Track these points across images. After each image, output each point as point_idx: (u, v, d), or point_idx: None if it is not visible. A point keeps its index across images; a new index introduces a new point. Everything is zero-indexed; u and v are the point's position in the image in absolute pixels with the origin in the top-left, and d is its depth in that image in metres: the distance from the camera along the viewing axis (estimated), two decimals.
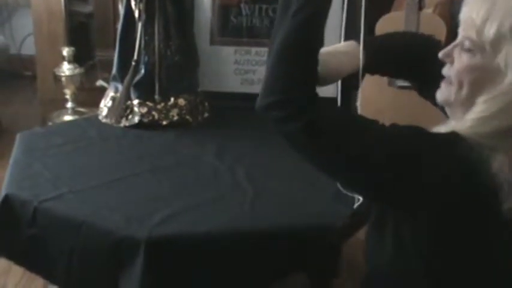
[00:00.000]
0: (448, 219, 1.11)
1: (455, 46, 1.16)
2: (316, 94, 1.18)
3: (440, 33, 2.54)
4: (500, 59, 1.10)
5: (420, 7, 2.53)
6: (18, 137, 2.13)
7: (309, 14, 1.18)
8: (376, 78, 2.49)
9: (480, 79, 1.13)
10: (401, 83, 2.54)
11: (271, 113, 1.16)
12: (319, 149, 1.15)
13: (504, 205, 1.08)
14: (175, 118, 2.27)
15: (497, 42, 1.09)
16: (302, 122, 1.13)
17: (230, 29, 2.53)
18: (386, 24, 2.57)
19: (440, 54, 1.19)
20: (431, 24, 2.56)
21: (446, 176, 1.09)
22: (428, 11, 2.66)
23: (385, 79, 2.55)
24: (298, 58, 1.17)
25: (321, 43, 1.23)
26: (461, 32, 1.15)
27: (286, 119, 1.14)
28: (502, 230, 1.11)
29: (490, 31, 1.09)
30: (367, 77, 2.51)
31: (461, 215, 1.11)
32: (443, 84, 1.20)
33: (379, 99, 2.60)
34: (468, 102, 1.14)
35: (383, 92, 2.57)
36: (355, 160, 1.13)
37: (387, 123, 1.20)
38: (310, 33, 1.19)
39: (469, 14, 1.12)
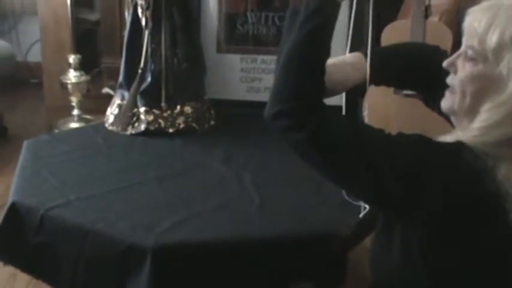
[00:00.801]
0: (455, 228, 1.11)
1: (459, 55, 1.17)
2: (322, 103, 1.18)
3: (447, 42, 2.53)
4: (502, 67, 1.10)
5: (426, 15, 2.53)
6: (24, 144, 2.14)
7: (315, 25, 1.18)
8: (381, 87, 2.50)
9: (483, 88, 1.13)
10: (407, 91, 2.54)
11: (278, 122, 1.16)
12: (325, 158, 1.16)
13: (510, 214, 1.08)
14: (182, 126, 2.27)
15: (499, 50, 1.10)
16: (308, 131, 1.13)
17: (236, 37, 2.54)
18: (393, 33, 2.57)
19: (445, 64, 1.19)
20: (437, 32, 2.55)
21: (453, 185, 1.09)
22: (434, 19, 2.66)
23: (390, 88, 2.54)
24: (305, 68, 1.17)
25: (327, 54, 1.23)
26: (465, 41, 1.16)
27: (292, 128, 1.15)
28: (509, 238, 1.11)
29: (492, 40, 1.10)
30: (372, 86, 2.52)
31: (468, 223, 1.11)
32: (447, 94, 1.21)
33: (384, 107, 2.59)
34: (472, 111, 1.15)
35: (389, 100, 2.57)
36: (361, 169, 1.13)
37: (393, 131, 1.21)
38: (316, 44, 1.19)
39: (472, 24, 1.13)
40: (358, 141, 1.15)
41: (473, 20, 1.13)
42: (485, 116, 1.12)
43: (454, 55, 1.18)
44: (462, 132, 1.15)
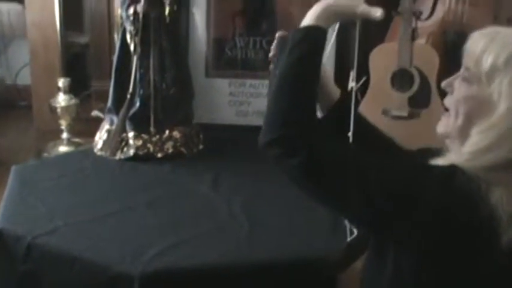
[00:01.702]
0: (447, 251, 1.11)
1: (457, 76, 1.19)
2: (314, 130, 1.19)
3: (433, 64, 2.56)
4: (493, 90, 1.11)
5: (413, 38, 2.55)
6: (12, 170, 2.13)
7: (304, 51, 1.19)
8: (370, 108, 2.52)
9: (474, 109, 1.14)
10: (395, 112, 2.55)
11: (271, 150, 1.16)
12: (317, 184, 1.16)
13: (504, 237, 1.08)
14: (170, 150, 2.28)
15: (491, 73, 1.11)
16: (300, 158, 1.14)
17: (225, 61, 2.56)
18: (380, 55, 2.60)
19: (443, 84, 1.21)
20: (424, 54, 2.58)
21: (446, 208, 1.10)
22: (421, 41, 2.69)
23: (379, 109, 2.56)
24: (294, 96, 1.18)
25: (317, 80, 1.24)
26: (463, 63, 1.18)
27: (284, 155, 1.15)
28: (502, 261, 1.11)
29: (487, 62, 1.12)
30: (361, 107, 2.53)
31: (461, 246, 1.11)
32: (442, 118, 1.22)
33: None
34: (464, 133, 1.16)
35: (377, 121, 2.57)
36: (353, 194, 1.13)
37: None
38: (304, 72, 1.20)
39: (471, 46, 1.16)
40: (350, 166, 1.15)
41: (473, 44, 1.16)
42: (475, 139, 1.13)
43: (453, 76, 1.20)
44: (455, 155, 1.16)
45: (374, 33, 3.11)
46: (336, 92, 1.37)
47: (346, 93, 1.36)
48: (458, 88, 1.18)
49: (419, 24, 2.60)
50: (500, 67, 1.11)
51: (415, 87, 2.53)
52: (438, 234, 1.10)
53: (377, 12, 1.21)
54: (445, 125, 1.21)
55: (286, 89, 1.19)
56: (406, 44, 2.52)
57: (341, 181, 1.14)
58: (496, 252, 1.09)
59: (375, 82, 2.56)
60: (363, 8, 1.22)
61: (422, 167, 1.16)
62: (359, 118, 1.36)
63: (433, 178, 1.12)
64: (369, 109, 2.54)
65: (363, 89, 2.62)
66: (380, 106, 2.55)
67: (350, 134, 1.37)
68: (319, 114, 1.34)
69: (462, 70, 1.18)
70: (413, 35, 2.56)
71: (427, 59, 2.55)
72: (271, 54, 1.35)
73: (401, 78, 2.54)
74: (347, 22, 1.30)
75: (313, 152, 1.14)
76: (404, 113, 2.54)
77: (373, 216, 1.14)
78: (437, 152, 1.23)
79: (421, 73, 2.51)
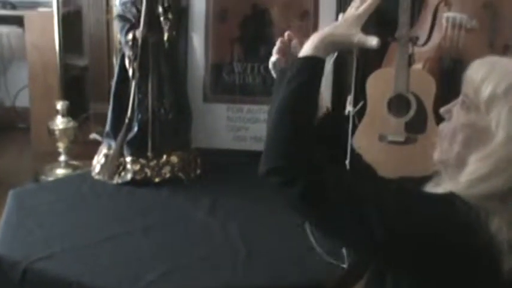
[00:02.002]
0: (448, 277, 1.11)
1: (455, 103, 1.20)
2: (313, 159, 1.20)
3: (430, 89, 2.57)
4: (491, 119, 1.12)
5: (410, 63, 2.57)
6: (10, 194, 2.14)
7: (302, 81, 1.21)
8: (367, 133, 2.53)
9: (471, 137, 1.15)
10: (392, 137, 2.56)
11: (270, 179, 1.17)
12: (316, 212, 1.17)
13: (505, 265, 1.09)
14: (168, 175, 2.28)
15: (490, 102, 1.12)
16: (299, 187, 1.14)
17: (223, 87, 2.57)
18: (377, 80, 2.61)
19: (442, 110, 1.22)
20: (420, 80, 2.59)
21: (446, 236, 1.10)
22: (417, 67, 2.70)
23: (376, 134, 2.57)
24: (292, 127, 1.19)
25: (315, 109, 1.26)
26: (463, 90, 1.19)
27: (284, 184, 1.16)
28: None
29: (486, 91, 1.13)
30: (358, 132, 2.54)
31: (461, 273, 1.11)
32: (438, 145, 1.22)
33: (370, 153, 2.61)
34: (460, 161, 1.16)
35: (374, 146, 2.59)
36: (352, 223, 1.14)
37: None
38: (304, 100, 1.21)
39: (471, 74, 1.17)
40: (349, 195, 1.15)
41: (473, 71, 1.17)
42: (472, 168, 1.13)
43: (452, 103, 1.21)
44: (451, 183, 1.17)
45: (371, 58, 3.15)
46: (321, 108, 1.36)
47: (330, 112, 1.37)
48: (456, 115, 1.19)
49: (416, 49, 2.61)
50: (500, 96, 1.12)
51: (412, 112, 2.54)
52: (439, 261, 1.10)
53: (373, 41, 1.22)
54: (439, 151, 1.22)
55: (285, 119, 1.20)
56: (403, 69, 2.53)
57: (340, 211, 1.14)
58: (497, 280, 1.10)
59: (371, 107, 2.57)
60: (359, 37, 1.23)
61: (421, 196, 1.17)
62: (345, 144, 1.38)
63: (432, 207, 1.13)
64: (366, 134, 2.55)
65: (360, 114, 2.64)
66: (377, 131, 2.56)
67: (347, 162, 1.38)
68: None
69: (461, 97, 1.19)
70: (410, 61, 2.57)
71: (424, 85, 2.56)
72: (273, 58, 1.36)
73: (398, 104, 2.55)
74: (344, 51, 1.31)
75: (312, 182, 1.15)
76: (401, 138, 2.54)
77: (373, 244, 1.14)
78: (420, 181, 1.24)
79: (417, 98, 2.52)
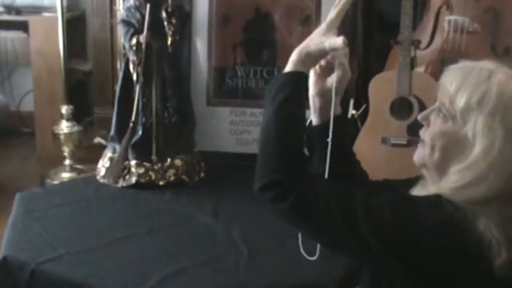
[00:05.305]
0: (440, 278, 1.13)
1: (432, 110, 1.22)
2: (303, 171, 1.22)
3: (432, 92, 2.57)
4: (468, 129, 1.14)
5: (412, 66, 2.58)
6: (17, 197, 2.16)
7: (285, 96, 1.22)
8: (369, 136, 2.55)
9: (450, 145, 1.17)
10: (394, 140, 2.58)
11: (264, 194, 1.20)
12: (308, 224, 1.20)
13: (495, 262, 1.10)
14: (172, 178, 2.30)
15: (465, 112, 1.14)
16: (290, 201, 1.17)
17: (226, 90, 2.59)
18: (380, 84, 2.62)
19: (419, 117, 1.24)
20: (422, 83, 2.60)
21: (435, 238, 1.12)
22: (420, 70, 2.72)
23: (378, 137, 2.59)
24: (280, 143, 1.21)
25: (301, 123, 1.27)
26: (438, 97, 1.20)
27: (276, 199, 1.18)
28: (495, 286, 1.13)
29: (461, 101, 1.14)
30: (361, 135, 2.55)
31: (453, 273, 1.13)
32: (419, 146, 1.24)
33: (373, 156, 2.63)
34: (441, 167, 1.18)
35: (377, 149, 2.60)
36: (344, 233, 1.16)
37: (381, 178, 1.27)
38: (289, 113, 1.23)
39: (445, 82, 1.18)
40: (339, 206, 1.17)
41: (447, 79, 1.18)
42: (453, 178, 1.15)
43: (429, 109, 1.23)
44: (434, 187, 1.19)
45: (374, 62, 3.16)
46: (336, 111, 1.36)
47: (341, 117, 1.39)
48: (433, 122, 1.20)
49: (418, 53, 2.63)
50: (474, 107, 1.13)
51: (414, 115, 2.55)
52: (431, 262, 1.12)
53: (338, 42, 1.22)
54: (420, 154, 1.23)
55: (273, 136, 1.22)
56: (405, 72, 2.55)
57: (330, 222, 1.16)
58: (487, 277, 1.11)
59: (374, 110, 2.59)
60: (328, 42, 1.24)
61: (408, 200, 1.19)
62: (345, 149, 1.39)
63: (421, 210, 1.15)
64: (368, 137, 2.57)
65: (363, 117, 2.66)
66: (379, 134, 2.58)
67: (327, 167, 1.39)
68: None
69: (437, 104, 1.20)
70: (412, 64, 2.59)
71: (426, 88, 2.57)
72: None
73: (400, 107, 2.56)
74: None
75: (301, 196, 1.17)
76: (404, 141, 2.56)
77: (365, 251, 1.16)
78: (406, 183, 1.27)
79: (420, 101, 2.53)
